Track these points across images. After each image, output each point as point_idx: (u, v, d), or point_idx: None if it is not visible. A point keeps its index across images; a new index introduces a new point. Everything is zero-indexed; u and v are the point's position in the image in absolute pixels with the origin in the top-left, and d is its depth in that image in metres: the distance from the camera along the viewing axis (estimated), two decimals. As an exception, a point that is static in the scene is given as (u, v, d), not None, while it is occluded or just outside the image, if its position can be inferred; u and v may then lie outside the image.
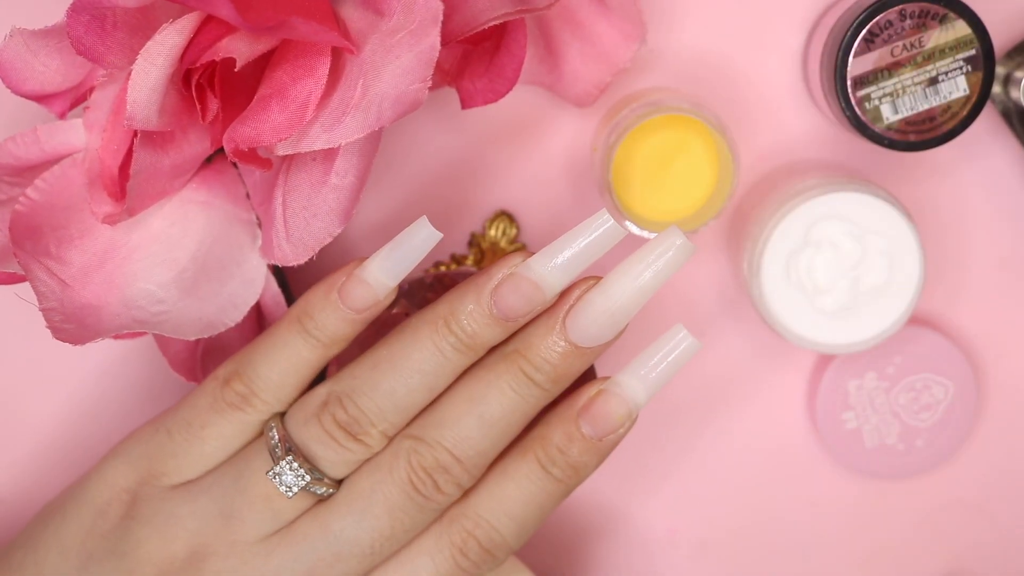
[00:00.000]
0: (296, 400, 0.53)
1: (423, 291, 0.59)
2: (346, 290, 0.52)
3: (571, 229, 0.50)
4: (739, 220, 0.64)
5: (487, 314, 0.51)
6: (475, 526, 0.52)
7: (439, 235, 0.51)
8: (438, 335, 0.51)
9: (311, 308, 0.53)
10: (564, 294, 0.51)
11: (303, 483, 0.51)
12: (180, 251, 0.54)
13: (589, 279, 0.51)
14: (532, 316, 0.51)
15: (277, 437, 0.52)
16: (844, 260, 0.61)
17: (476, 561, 0.52)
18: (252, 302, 0.55)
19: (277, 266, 0.57)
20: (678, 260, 0.50)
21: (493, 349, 0.52)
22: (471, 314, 0.51)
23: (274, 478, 0.51)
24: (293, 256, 0.52)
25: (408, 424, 0.52)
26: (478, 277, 0.51)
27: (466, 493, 0.53)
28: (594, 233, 0.50)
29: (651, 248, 0.50)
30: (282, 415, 0.53)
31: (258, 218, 0.55)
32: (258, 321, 0.59)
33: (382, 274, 0.52)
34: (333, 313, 0.52)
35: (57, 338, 0.50)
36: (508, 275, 0.51)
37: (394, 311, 0.58)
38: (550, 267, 0.51)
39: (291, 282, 0.62)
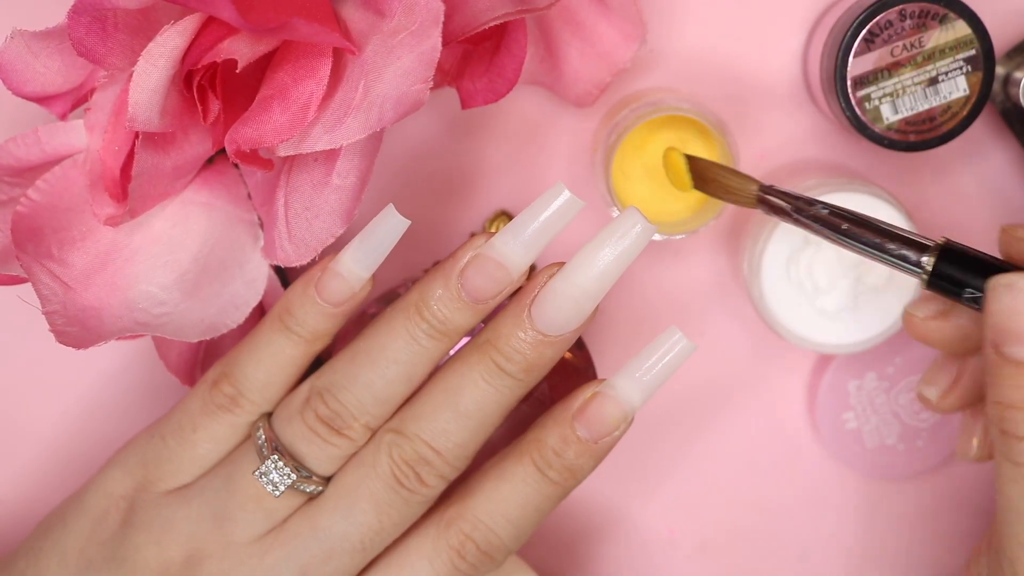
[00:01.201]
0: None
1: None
2: (322, 284, 0.52)
3: (530, 204, 0.50)
4: (739, 220, 0.64)
5: (456, 298, 0.51)
6: (472, 529, 0.52)
7: (407, 222, 0.51)
8: (411, 323, 0.51)
9: (291, 305, 0.53)
10: (530, 281, 0.51)
11: (289, 481, 0.51)
12: (182, 252, 0.54)
13: (553, 265, 0.51)
14: (502, 297, 0.51)
15: (264, 437, 0.52)
16: (844, 260, 0.61)
17: (474, 563, 0.52)
18: (254, 303, 0.55)
19: (279, 267, 0.57)
20: (640, 243, 0.50)
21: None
22: (440, 299, 0.51)
23: (260, 478, 0.51)
24: (295, 257, 0.52)
25: (391, 417, 0.52)
26: (445, 262, 0.51)
27: (463, 494, 0.53)
28: (553, 207, 0.50)
29: (611, 231, 0.50)
30: (270, 415, 0.53)
31: (259, 219, 0.55)
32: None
33: (355, 265, 0.52)
34: (312, 308, 0.52)
35: (60, 342, 0.50)
36: (473, 257, 0.51)
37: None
38: (513, 245, 0.50)
39: (292, 283, 0.61)
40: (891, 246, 0.52)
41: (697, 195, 0.61)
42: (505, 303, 0.52)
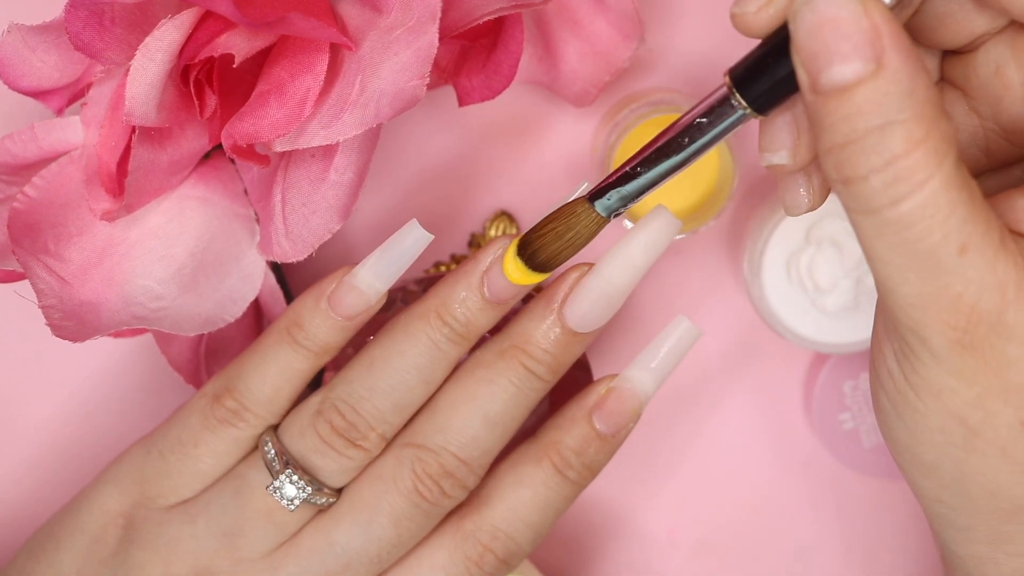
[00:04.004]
0: (288, 410, 0.53)
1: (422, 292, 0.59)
2: (337, 297, 0.52)
3: (552, 207, 0.50)
4: (739, 220, 0.64)
5: (480, 300, 0.51)
6: (492, 539, 0.52)
7: (430, 237, 0.51)
8: (431, 327, 0.51)
9: (300, 318, 0.52)
10: (555, 283, 0.51)
11: (304, 495, 0.51)
12: (178, 247, 0.54)
13: (581, 266, 0.51)
14: (519, 296, 0.51)
15: (274, 451, 0.52)
16: (846, 259, 0.61)
17: (491, 573, 0.52)
18: (251, 298, 0.55)
19: (275, 262, 0.57)
20: (667, 236, 0.50)
21: (480, 344, 0.52)
22: (464, 302, 0.51)
23: (274, 492, 0.51)
24: (292, 252, 0.52)
25: (406, 427, 0.52)
26: (465, 266, 0.51)
27: (477, 504, 0.53)
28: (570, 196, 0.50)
29: (640, 228, 0.50)
30: (275, 427, 0.53)
31: (256, 214, 0.55)
32: (256, 317, 0.59)
33: (374, 279, 0.52)
34: (324, 322, 0.52)
35: (57, 335, 0.50)
36: (497, 258, 0.51)
37: (390, 315, 0.58)
38: None
39: (288, 278, 0.61)
40: (704, 120, 0.45)
41: (697, 195, 0.61)
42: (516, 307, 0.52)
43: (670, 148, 0.46)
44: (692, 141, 0.45)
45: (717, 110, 0.45)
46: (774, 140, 0.45)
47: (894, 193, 0.39)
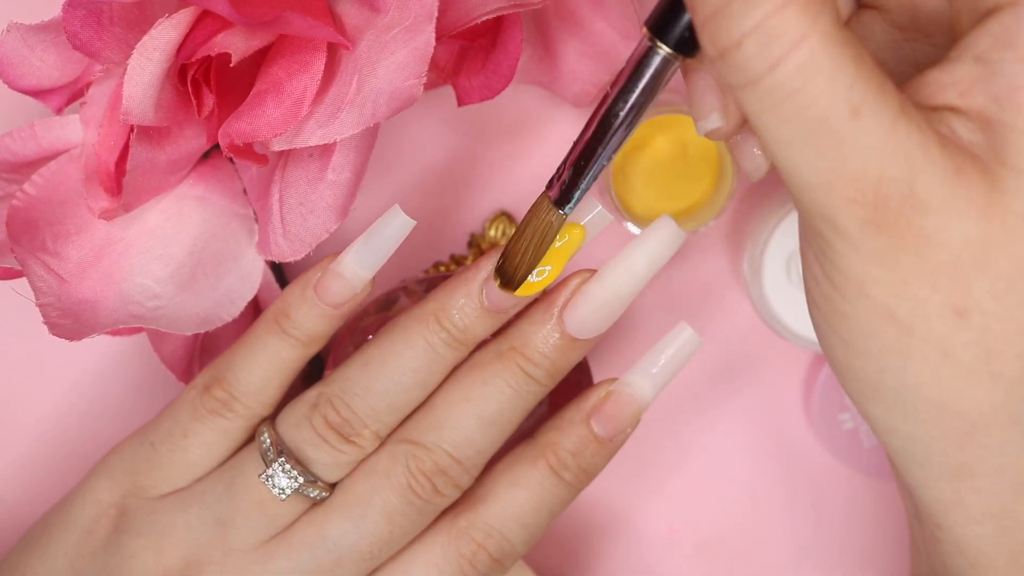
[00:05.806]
0: (279, 402, 0.53)
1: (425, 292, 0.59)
2: (322, 285, 0.52)
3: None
4: (739, 220, 0.64)
5: (478, 307, 0.51)
6: (486, 537, 0.52)
7: (412, 223, 0.51)
8: (429, 331, 0.51)
9: (287, 307, 0.52)
10: (557, 288, 0.51)
11: (296, 485, 0.51)
12: (177, 246, 0.54)
13: (583, 272, 0.51)
14: (520, 307, 0.51)
15: (269, 441, 0.52)
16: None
17: (484, 572, 0.52)
18: (249, 297, 0.55)
19: (274, 261, 0.57)
20: (671, 248, 0.50)
21: (481, 345, 0.52)
22: (462, 308, 0.51)
23: (266, 481, 0.51)
24: (290, 252, 0.52)
25: (401, 424, 0.52)
26: (466, 271, 0.51)
27: (472, 502, 0.53)
28: (582, 219, 0.51)
29: (644, 238, 0.50)
30: (273, 418, 0.53)
31: (255, 213, 0.55)
32: (254, 316, 0.59)
33: (357, 266, 0.52)
34: (310, 310, 0.52)
35: (54, 333, 0.51)
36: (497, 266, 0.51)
37: (392, 313, 0.58)
38: None
39: (288, 278, 0.62)
40: (637, 96, 0.45)
41: (697, 195, 0.61)
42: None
43: (609, 120, 0.45)
44: (627, 104, 0.45)
45: (644, 64, 0.44)
46: (703, 105, 0.44)
47: (770, 56, 0.37)
